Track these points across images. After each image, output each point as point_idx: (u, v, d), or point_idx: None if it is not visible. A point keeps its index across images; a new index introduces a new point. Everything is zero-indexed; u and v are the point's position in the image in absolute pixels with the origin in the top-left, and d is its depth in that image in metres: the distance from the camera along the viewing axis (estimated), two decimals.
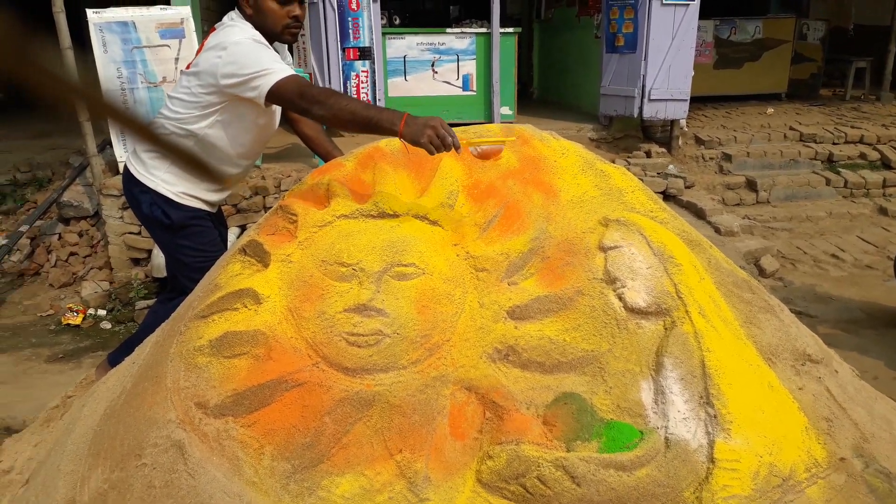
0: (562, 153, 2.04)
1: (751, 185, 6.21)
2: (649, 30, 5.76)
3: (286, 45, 2.52)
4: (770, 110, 7.76)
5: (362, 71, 5.86)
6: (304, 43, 5.97)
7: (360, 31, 5.75)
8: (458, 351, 1.65)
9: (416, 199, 1.90)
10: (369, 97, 5.94)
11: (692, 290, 1.75)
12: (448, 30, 6.39)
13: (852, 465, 1.66)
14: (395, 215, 1.86)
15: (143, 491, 1.52)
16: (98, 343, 4.08)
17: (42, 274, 4.90)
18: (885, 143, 6.71)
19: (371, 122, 1.91)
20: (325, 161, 2.40)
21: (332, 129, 2.13)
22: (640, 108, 5.97)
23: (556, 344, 1.64)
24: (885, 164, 6.54)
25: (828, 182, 6.30)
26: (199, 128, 2.30)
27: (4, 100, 8.81)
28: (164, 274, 4.36)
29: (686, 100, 6.05)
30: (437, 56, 6.35)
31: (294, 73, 2.09)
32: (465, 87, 6.45)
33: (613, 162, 2.25)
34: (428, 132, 1.78)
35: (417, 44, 6.29)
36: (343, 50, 5.73)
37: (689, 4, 5.75)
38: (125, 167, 2.50)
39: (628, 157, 6.10)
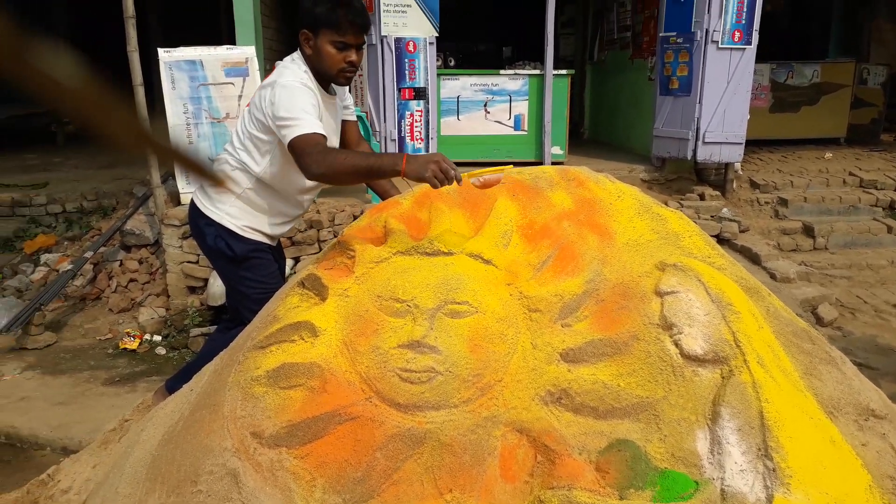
0: (617, 196, 2.04)
1: (808, 231, 6.06)
2: (704, 73, 5.74)
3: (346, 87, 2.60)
4: (828, 155, 7.61)
5: (416, 110, 5.98)
6: (361, 82, 6.14)
7: (416, 72, 5.88)
8: (510, 392, 1.65)
9: (470, 237, 1.92)
10: (423, 136, 6.04)
11: (751, 338, 1.72)
12: (501, 71, 6.48)
13: None
14: (449, 253, 1.89)
15: None
16: (153, 368, 4.19)
17: (102, 299, 5.07)
18: None
19: (373, 168, 2.02)
20: (383, 199, 2.46)
21: (341, 185, 2.24)
22: (695, 151, 5.92)
23: (609, 389, 1.63)
24: None
25: (889, 230, 6.11)
26: (254, 163, 2.40)
27: (76, 131, 9.24)
28: (219, 302, 4.48)
29: (741, 143, 5.98)
30: (490, 96, 6.44)
31: (313, 131, 2.14)
32: (517, 126, 6.51)
33: (666, 204, 2.25)
34: (431, 167, 1.85)
35: (471, 84, 6.40)
36: (399, 90, 5.87)
37: (745, 49, 5.72)
38: (192, 200, 2.60)
39: (681, 200, 6.03)
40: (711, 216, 5.79)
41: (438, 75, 6.18)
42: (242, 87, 4.72)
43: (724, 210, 5.90)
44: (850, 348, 4.21)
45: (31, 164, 7.52)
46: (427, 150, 6.13)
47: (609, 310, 1.75)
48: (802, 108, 8.17)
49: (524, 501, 1.54)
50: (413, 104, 5.95)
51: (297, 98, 2.22)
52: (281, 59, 2.46)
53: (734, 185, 6.35)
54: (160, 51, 4.62)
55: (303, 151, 2.13)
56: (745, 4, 5.63)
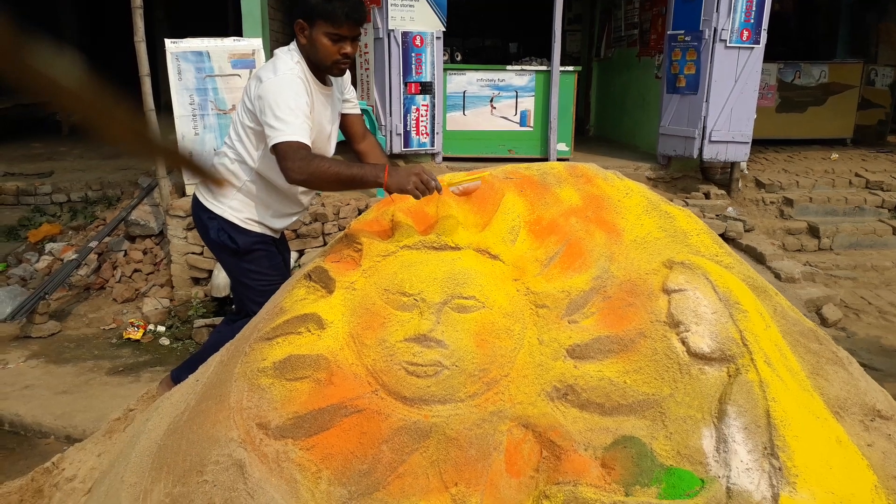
0: (626, 193, 2.04)
1: (813, 232, 6.06)
2: (712, 72, 5.72)
3: (348, 77, 2.60)
4: (834, 156, 7.59)
5: (422, 105, 5.97)
6: (367, 76, 6.13)
7: (423, 67, 5.87)
8: (516, 387, 1.65)
9: (478, 232, 1.92)
10: (428, 130, 6.04)
11: (758, 337, 1.71)
12: (508, 67, 6.47)
13: None
14: (456, 248, 1.88)
15: None
16: (156, 358, 4.20)
17: (107, 289, 5.08)
18: None
19: (355, 178, 2.08)
20: (390, 193, 2.45)
21: (322, 191, 2.28)
22: (700, 150, 5.91)
23: (616, 386, 1.63)
24: None
25: (894, 231, 6.10)
26: (248, 156, 2.41)
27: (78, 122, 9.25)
28: (223, 294, 4.48)
29: (748, 142, 5.97)
30: (497, 92, 6.43)
31: (296, 139, 2.16)
32: (523, 122, 6.50)
33: (671, 202, 2.24)
34: (413, 179, 1.92)
35: (477, 80, 6.39)
36: (405, 84, 5.86)
37: (753, 48, 5.71)
38: (194, 195, 2.60)
39: (686, 198, 6.02)
40: (716, 215, 5.78)
41: (445, 70, 6.18)
42: (249, 78, 4.72)
43: (730, 209, 5.89)
44: (854, 349, 4.20)
45: (37, 154, 7.53)
46: (433, 145, 6.13)
47: (616, 307, 1.75)
48: (809, 108, 8.15)
49: (529, 496, 1.54)
50: (419, 98, 5.95)
51: (283, 96, 2.21)
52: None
53: (740, 185, 6.34)
54: (167, 41, 4.62)
55: (285, 156, 2.15)
56: (754, 3, 5.61)
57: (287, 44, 2.43)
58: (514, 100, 6.47)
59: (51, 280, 4.81)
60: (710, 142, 5.88)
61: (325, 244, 4.80)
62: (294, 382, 1.66)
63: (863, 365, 2.04)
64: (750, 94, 5.85)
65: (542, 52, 7.01)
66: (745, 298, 1.79)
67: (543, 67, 6.43)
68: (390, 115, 5.90)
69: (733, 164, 6.22)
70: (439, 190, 1.93)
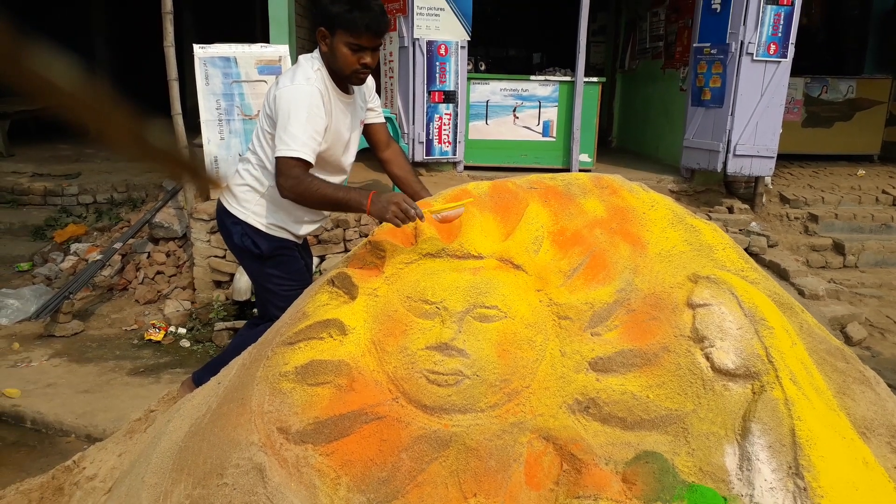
0: (651, 205, 2.03)
1: (838, 249, 5.97)
2: (738, 85, 5.68)
3: (372, 86, 2.63)
4: (861, 172, 7.48)
5: (445, 114, 5.99)
6: (391, 84, 6.17)
7: (447, 76, 5.89)
8: (538, 399, 1.64)
9: (501, 242, 1.92)
10: (451, 139, 6.05)
11: (784, 354, 1.69)
12: (532, 77, 6.47)
13: None
14: (479, 256, 1.88)
15: None
16: (176, 360, 4.23)
17: (129, 290, 5.14)
18: None
19: (341, 202, 2.23)
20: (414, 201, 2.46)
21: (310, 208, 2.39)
22: (725, 163, 5.86)
23: (638, 400, 1.61)
24: None
25: None
26: (268, 160, 2.43)
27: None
28: (245, 297, 4.51)
29: (773, 157, 5.91)
30: (520, 102, 6.43)
31: (298, 156, 2.24)
32: (546, 133, 6.50)
33: (696, 215, 2.23)
34: (392, 208, 1.97)
35: (501, 89, 6.39)
36: (429, 93, 5.88)
37: (780, 62, 5.66)
38: (219, 200, 2.63)
39: (709, 212, 5.97)
40: (740, 230, 5.73)
41: (469, 79, 6.19)
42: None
43: (753, 224, 5.83)
44: (879, 369, 4.11)
45: (65, 155, 7.65)
46: (455, 154, 6.14)
47: (640, 320, 1.73)
48: (836, 123, 8.06)
49: None
50: (442, 107, 5.97)
51: (295, 107, 2.26)
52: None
53: (764, 199, 6.28)
54: (195, 46, 4.68)
55: (281, 171, 2.25)
56: (782, 17, 5.57)
57: (312, 51, 2.45)
58: (538, 110, 6.46)
59: (75, 280, 4.87)
60: (735, 155, 5.83)
61: (347, 250, 4.82)
62: (315, 388, 1.66)
63: (889, 385, 2.01)
64: (776, 109, 5.80)
65: (565, 63, 7.00)
66: (770, 315, 1.76)
67: (567, 78, 6.43)
68: (413, 124, 5.93)
69: (757, 179, 6.16)
70: (421, 217, 1.94)
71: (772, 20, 5.56)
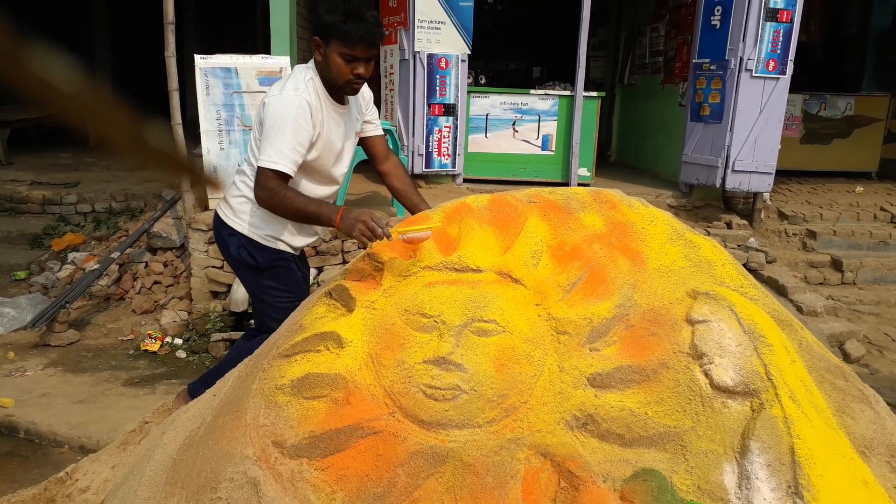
0: (650, 220, 2.02)
1: (836, 265, 5.97)
2: (737, 101, 5.70)
3: (370, 98, 2.64)
4: (859, 189, 7.50)
5: (445, 126, 6.00)
6: (391, 96, 6.18)
7: (447, 89, 5.91)
8: (535, 414, 1.63)
9: (500, 255, 1.91)
10: (450, 152, 6.06)
11: (783, 372, 1.68)
12: (531, 91, 6.49)
13: None
14: (478, 270, 1.87)
15: None
16: (172, 371, 4.21)
17: (126, 300, 5.12)
18: None
19: (312, 216, 2.29)
20: (412, 213, 2.46)
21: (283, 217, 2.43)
22: (723, 179, 5.87)
23: (637, 417, 1.60)
24: None
25: None
26: None
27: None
28: (242, 308, 4.50)
29: (771, 173, 5.92)
30: (519, 115, 6.45)
31: (278, 168, 2.26)
32: (545, 146, 6.51)
33: (695, 230, 2.22)
34: (359, 226, 2.02)
35: (500, 103, 6.41)
36: (429, 105, 5.90)
37: (779, 78, 5.68)
38: (215, 212, 2.62)
39: (708, 227, 5.97)
40: (738, 245, 5.73)
41: (469, 92, 6.21)
42: None
43: (752, 240, 5.83)
44: (878, 387, 4.08)
45: (64, 163, 7.66)
46: (454, 166, 6.15)
47: (639, 336, 1.72)
48: (834, 140, 8.08)
49: None
50: (442, 120, 5.98)
51: (282, 119, 2.28)
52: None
53: (762, 215, 6.28)
54: (196, 57, 4.69)
55: (258, 181, 2.29)
56: (781, 34, 5.60)
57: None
58: (537, 123, 6.48)
59: (72, 289, 4.85)
60: (734, 171, 5.84)
61: (345, 262, 4.80)
62: (311, 401, 1.65)
63: (888, 404, 2.00)
64: (774, 125, 5.82)
65: (565, 77, 7.03)
66: (770, 332, 1.76)
67: (567, 92, 6.45)
68: (413, 136, 5.94)
69: (756, 195, 6.16)
70: (388, 237, 1.96)
71: (771, 37, 5.59)
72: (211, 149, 4.71)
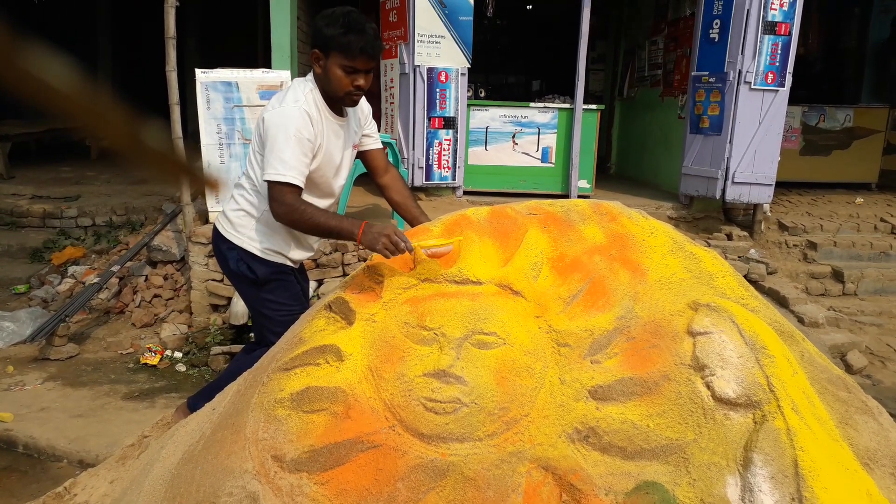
0: (651, 232, 2.02)
1: (837, 276, 5.96)
2: (736, 113, 5.71)
3: (369, 112, 2.64)
4: (859, 200, 7.50)
5: (445, 139, 6.02)
6: (392, 109, 6.20)
7: (447, 102, 5.93)
8: (537, 427, 1.62)
9: (500, 268, 1.91)
10: (450, 164, 6.07)
11: (785, 383, 1.67)
12: (531, 104, 6.51)
13: None
14: (478, 282, 1.87)
15: None
16: (172, 385, 4.19)
17: (126, 313, 5.11)
18: None
19: (333, 230, 2.26)
20: (411, 226, 2.46)
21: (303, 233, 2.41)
22: (723, 191, 5.88)
23: (638, 429, 1.59)
24: None
25: None
26: (261, 184, 2.42)
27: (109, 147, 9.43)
28: (242, 322, 4.49)
29: (771, 185, 5.93)
30: (519, 128, 6.46)
31: (288, 181, 2.25)
32: (545, 159, 6.52)
33: (695, 242, 2.22)
34: (383, 240, 1.98)
35: (500, 115, 6.43)
36: (429, 118, 5.92)
37: (778, 90, 5.70)
38: (214, 226, 2.62)
39: (708, 238, 5.97)
40: (739, 257, 5.72)
41: (468, 105, 6.23)
42: None
43: (752, 251, 5.83)
44: (880, 398, 4.07)
45: (65, 177, 7.67)
46: (454, 179, 6.16)
47: (640, 348, 1.72)
48: (834, 151, 8.10)
49: None
50: (442, 133, 5.99)
51: (284, 131, 2.27)
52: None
53: (762, 227, 6.28)
54: (197, 71, 4.71)
55: (274, 197, 2.28)
56: (780, 47, 5.62)
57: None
58: (537, 136, 6.50)
59: (72, 303, 4.84)
60: (734, 183, 5.85)
61: (345, 274, 4.80)
62: (311, 415, 1.64)
63: (892, 415, 1.99)
64: (774, 137, 5.83)
65: (565, 90, 7.05)
66: (772, 343, 1.75)
67: (566, 105, 6.47)
68: (413, 149, 5.95)
69: (756, 206, 6.16)
70: (410, 251, 1.95)
71: (769, 49, 5.62)
72: (211, 162, 4.72)
